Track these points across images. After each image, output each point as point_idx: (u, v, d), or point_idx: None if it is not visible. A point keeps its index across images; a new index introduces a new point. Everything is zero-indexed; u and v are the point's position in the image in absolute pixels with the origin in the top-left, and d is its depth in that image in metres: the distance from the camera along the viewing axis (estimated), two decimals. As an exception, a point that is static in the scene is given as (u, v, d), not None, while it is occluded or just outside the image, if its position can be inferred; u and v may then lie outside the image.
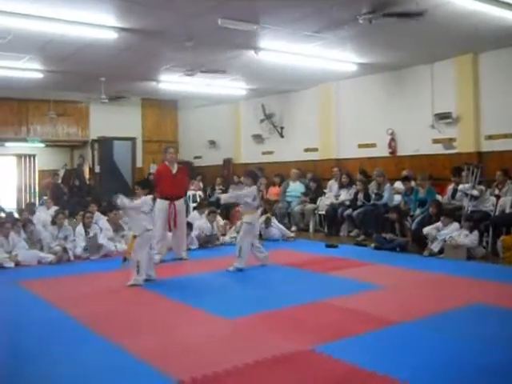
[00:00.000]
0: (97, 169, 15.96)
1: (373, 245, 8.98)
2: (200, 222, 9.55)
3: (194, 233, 9.27)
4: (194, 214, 10.14)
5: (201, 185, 13.78)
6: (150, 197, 6.59)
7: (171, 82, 12.03)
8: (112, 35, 7.88)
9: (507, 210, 8.26)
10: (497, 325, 4.58)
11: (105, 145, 16.25)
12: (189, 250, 8.80)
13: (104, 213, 9.65)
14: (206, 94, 13.89)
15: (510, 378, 3.47)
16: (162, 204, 7.95)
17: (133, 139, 16.68)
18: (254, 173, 8.10)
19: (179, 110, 17.68)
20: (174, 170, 8.20)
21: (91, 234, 8.69)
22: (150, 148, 16.81)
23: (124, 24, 7.59)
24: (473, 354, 3.85)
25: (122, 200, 6.43)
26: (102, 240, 8.69)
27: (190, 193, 13.00)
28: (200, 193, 13.15)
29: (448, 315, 4.89)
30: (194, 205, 11.76)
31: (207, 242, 9.33)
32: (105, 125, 15.58)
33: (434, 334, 4.36)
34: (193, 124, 17.10)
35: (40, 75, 10.82)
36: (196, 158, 16.97)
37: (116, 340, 4.30)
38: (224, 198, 8.14)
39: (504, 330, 4.44)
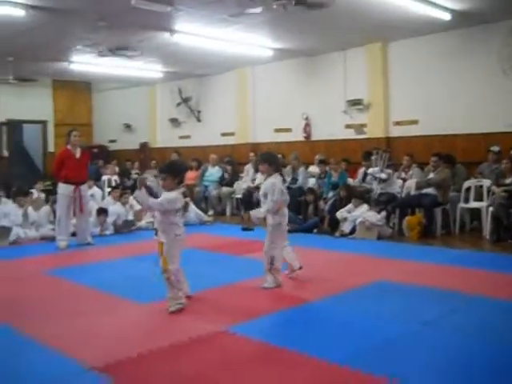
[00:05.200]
0: (5, 153, 15.24)
1: (288, 227, 9.14)
2: (114, 207, 9.37)
3: (110, 218, 9.09)
4: (108, 200, 9.92)
5: (116, 169, 13.46)
6: (181, 189, 4.97)
7: (84, 62, 11.65)
8: (19, 12, 7.52)
9: (412, 192, 8.73)
10: (400, 300, 4.85)
11: (13, 128, 15.56)
12: (104, 235, 8.83)
13: (14, 198, 9.24)
14: (121, 76, 13.58)
15: (408, 351, 3.71)
16: (65, 189, 7.80)
17: (44, 122, 16.01)
18: (271, 156, 5.85)
19: (93, 92, 17.12)
20: (78, 154, 8.01)
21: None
22: (62, 132, 15.91)
23: (32, 1, 7.26)
24: (380, 328, 4.07)
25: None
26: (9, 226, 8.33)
27: (105, 177, 12.68)
28: (116, 177, 12.83)
29: (357, 292, 5.13)
30: (109, 190, 11.48)
31: (123, 227, 9.18)
32: (13, 107, 14.79)
33: (344, 310, 4.57)
34: (108, 107, 16.65)
35: None
36: (111, 141, 16.54)
37: (23, 327, 4.17)
38: None
39: (406, 304, 4.70)
